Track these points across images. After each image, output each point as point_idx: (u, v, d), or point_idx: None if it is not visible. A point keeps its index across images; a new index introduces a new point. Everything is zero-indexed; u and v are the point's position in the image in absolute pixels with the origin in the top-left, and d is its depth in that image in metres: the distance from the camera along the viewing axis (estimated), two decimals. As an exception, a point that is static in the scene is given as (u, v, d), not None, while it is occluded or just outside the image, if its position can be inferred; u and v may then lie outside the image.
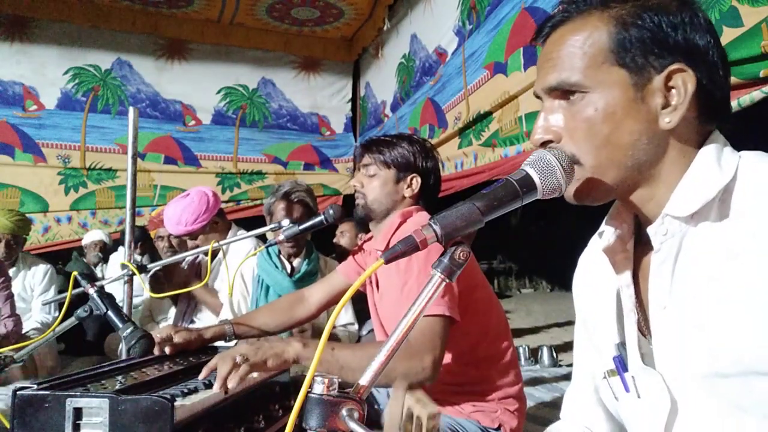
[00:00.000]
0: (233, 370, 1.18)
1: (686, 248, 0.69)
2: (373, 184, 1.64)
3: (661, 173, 0.72)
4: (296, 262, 2.58)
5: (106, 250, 4.57)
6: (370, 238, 1.78)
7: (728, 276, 0.64)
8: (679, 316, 0.69)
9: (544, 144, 0.75)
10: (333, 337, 2.16)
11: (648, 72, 0.70)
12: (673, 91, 0.70)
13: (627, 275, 0.78)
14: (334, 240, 3.74)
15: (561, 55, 0.73)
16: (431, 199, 1.70)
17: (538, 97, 0.79)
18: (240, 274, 2.62)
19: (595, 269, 0.87)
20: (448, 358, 1.45)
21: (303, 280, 2.45)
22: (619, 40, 0.70)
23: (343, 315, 2.65)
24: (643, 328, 0.76)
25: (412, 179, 1.65)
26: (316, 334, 2.33)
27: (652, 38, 0.70)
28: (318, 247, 2.78)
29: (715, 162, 0.69)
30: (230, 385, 1.16)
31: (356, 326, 2.70)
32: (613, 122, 0.70)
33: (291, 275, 2.51)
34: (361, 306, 2.89)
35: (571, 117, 0.73)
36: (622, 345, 0.78)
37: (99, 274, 4.46)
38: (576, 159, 0.73)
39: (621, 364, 0.77)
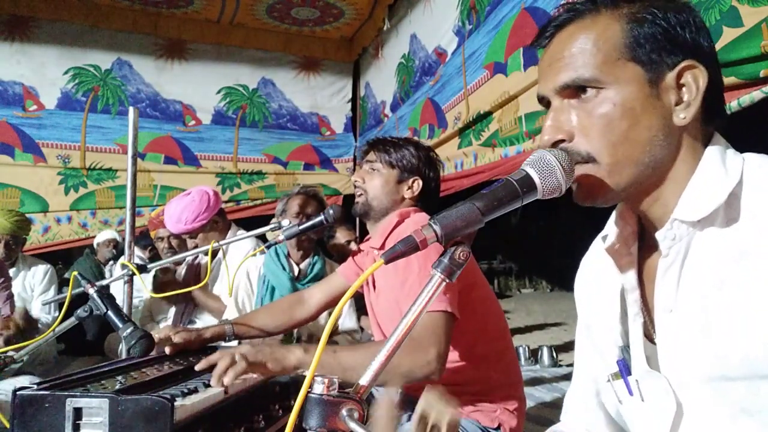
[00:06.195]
0: (231, 367, 1.18)
1: (693, 251, 0.69)
2: (374, 181, 1.64)
3: (671, 173, 0.72)
4: (303, 265, 2.56)
5: (119, 248, 4.57)
6: (369, 239, 1.78)
7: (736, 278, 0.64)
8: (686, 319, 0.69)
9: (555, 144, 0.73)
10: (334, 345, 2.15)
11: (661, 68, 0.70)
12: (684, 88, 0.71)
13: (632, 278, 0.77)
14: (332, 242, 3.73)
15: (573, 52, 0.72)
16: (429, 205, 1.69)
17: (542, 99, 0.78)
18: (246, 273, 2.61)
19: (598, 272, 0.86)
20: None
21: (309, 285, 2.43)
22: (633, 37, 0.70)
23: (347, 322, 2.63)
24: (649, 331, 0.76)
25: (413, 182, 1.65)
26: (314, 340, 2.32)
27: (664, 35, 0.70)
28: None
29: (721, 164, 0.70)
30: (226, 381, 1.16)
31: (360, 335, 2.68)
32: (632, 118, 0.70)
33: (297, 279, 2.50)
34: (361, 305, 2.89)
35: (585, 114, 0.72)
36: (625, 348, 0.78)
37: (107, 273, 4.46)
38: (591, 157, 0.72)
39: (624, 368, 0.77)
